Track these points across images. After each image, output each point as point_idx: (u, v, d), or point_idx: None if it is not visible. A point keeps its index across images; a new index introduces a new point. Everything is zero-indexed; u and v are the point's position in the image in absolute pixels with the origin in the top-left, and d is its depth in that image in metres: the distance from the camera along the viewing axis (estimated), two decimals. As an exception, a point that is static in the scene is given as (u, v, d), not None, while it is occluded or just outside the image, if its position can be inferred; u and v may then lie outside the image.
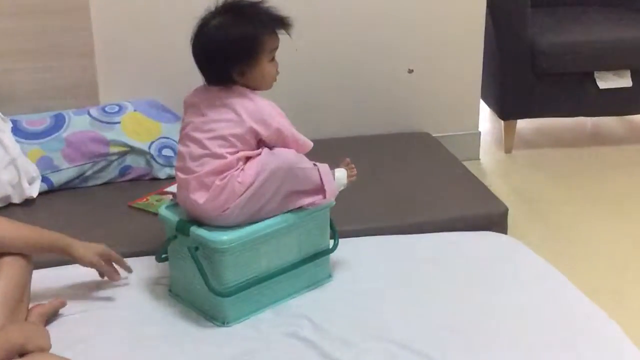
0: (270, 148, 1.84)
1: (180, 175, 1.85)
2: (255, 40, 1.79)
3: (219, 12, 1.83)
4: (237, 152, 1.79)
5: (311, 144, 1.90)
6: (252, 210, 1.80)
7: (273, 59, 1.85)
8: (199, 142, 1.81)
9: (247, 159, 1.81)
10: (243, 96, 1.82)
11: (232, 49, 1.78)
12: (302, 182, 1.84)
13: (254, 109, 1.80)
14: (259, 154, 1.82)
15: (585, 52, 3.61)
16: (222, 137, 1.79)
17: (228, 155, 1.78)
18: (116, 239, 2.27)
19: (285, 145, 1.84)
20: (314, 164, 1.87)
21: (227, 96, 1.82)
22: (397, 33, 3.31)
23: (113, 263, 1.95)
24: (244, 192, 1.78)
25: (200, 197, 1.78)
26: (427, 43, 3.36)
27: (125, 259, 2.01)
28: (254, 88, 1.84)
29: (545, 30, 3.67)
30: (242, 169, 1.79)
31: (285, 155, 1.82)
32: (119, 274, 1.91)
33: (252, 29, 1.80)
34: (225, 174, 1.78)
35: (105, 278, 1.93)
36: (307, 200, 1.87)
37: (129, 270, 1.97)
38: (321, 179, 1.86)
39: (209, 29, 1.80)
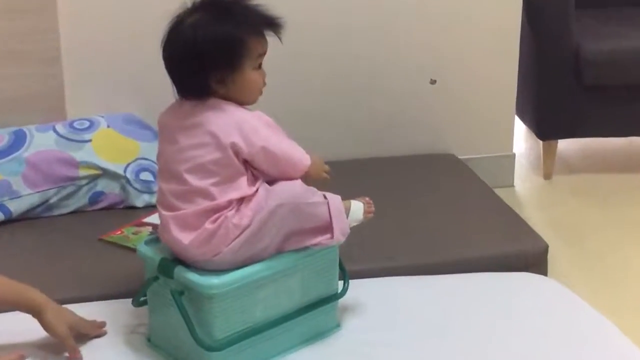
0: (270, 183, 1.84)
1: (162, 211, 1.84)
2: (238, 41, 1.77)
3: (196, 8, 1.81)
4: (222, 181, 1.77)
5: (308, 162, 1.88)
6: (246, 254, 1.80)
7: (259, 67, 1.84)
8: (177, 177, 1.80)
9: (242, 199, 1.80)
10: (218, 109, 1.79)
11: (210, 51, 1.76)
12: (308, 219, 1.84)
13: (231, 123, 1.78)
14: (257, 190, 1.81)
15: (638, 61, 3.63)
16: (201, 167, 1.78)
17: (213, 189, 1.77)
18: (85, 278, 2.30)
19: (276, 165, 1.83)
20: (324, 196, 1.87)
21: (200, 112, 1.80)
22: (417, 36, 3.33)
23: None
24: (239, 235, 1.77)
25: (185, 238, 1.78)
26: (453, 50, 3.38)
27: (97, 302, 2.04)
28: (236, 101, 1.83)
29: (592, 36, 3.69)
30: (238, 209, 1.79)
31: (289, 190, 1.82)
32: (81, 354, 1.90)
33: (236, 28, 1.77)
34: (216, 216, 1.77)
35: None
36: (311, 241, 1.86)
37: (103, 333, 1.98)
38: (330, 215, 1.86)
39: (184, 28, 1.78)
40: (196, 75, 1.78)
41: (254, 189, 1.81)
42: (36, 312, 1.86)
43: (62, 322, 1.88)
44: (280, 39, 1.85)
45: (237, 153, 1.77)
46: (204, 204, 1.78)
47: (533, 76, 3.69)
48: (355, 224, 1.97)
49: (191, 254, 1.79)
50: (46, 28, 2.87)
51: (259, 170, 1.83)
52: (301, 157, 1.87)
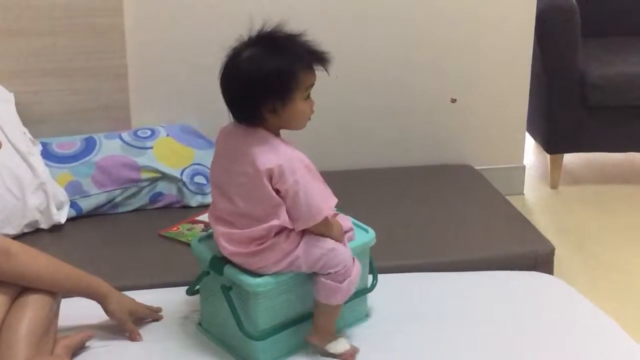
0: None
1: (214, 224, 1.81)
2: (290, 75, 1.70)
3: (252, 42, 1.74)
4: (265, 208, 1.72)
5: (324, 216, 1.75)
6: (287, 269, 1.77)
7: (308, 97, 1.76)
8: (228, 197, 1.77)
9: (290, 230, 1.76)
10: (266, 144, 1.73)
11: (264, 83, 1.69)
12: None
13: (274, 158, 1.71)
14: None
15: (638, 84, 3.58)
16: (247, 193, 1.74)
17: (259, 215, 1.73)
18: (145, 268, 2.30)
19: (296, 208, 1.72)
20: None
21: (250, 143, 1.73)
22: (439, 60, 3.31)
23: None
24: (285, 257, 1.75)
25: (234, 252, 1.77)
26: (471, 72, 3.35)
27: (155, 289, 2.07)
28: (285, 127, 1.77)
29: (596, 61, 3.65)
30: (289, 235, 1.75)
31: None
32: (140, 336, 1.90)
33: (288, 63, 1.71)
34: (263, 241, 1.74)
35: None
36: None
37: (159, 318, 1.98)
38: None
39: (241, 60, 1.72)
40: (250, 104, 1.72)
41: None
42: (100, 299, 1.86)
43: (123, 308, 1.88)
44: (327, 72, 1.77)
45: (270, 181, 1.71)
46: (252, 226, 1.74)
47: (542, 97, 3.65)
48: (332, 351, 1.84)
49: (237, 262, 1.78)
50: (115, 48, 2.87)
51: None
52: (322, 208, 1.74)
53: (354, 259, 1.82)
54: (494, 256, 2.42)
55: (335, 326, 1.85)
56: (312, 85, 1.76)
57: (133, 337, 1.89)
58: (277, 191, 1.72)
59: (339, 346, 1.83)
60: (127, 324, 1.89)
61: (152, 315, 1.97)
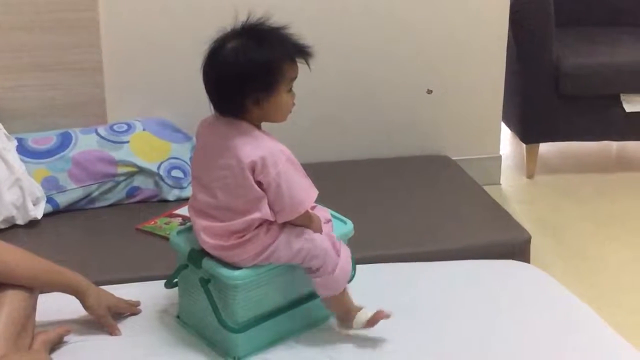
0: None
1: (194, 217, 1.81)
2: (276, 67, 1.70)
3: (236, 34, 1.73)
4: (246, 202, 1.72)
5: (307, 207, 1.77)
6: (266, 262, 1.78)
7: (290, 90, 1.76)
8: (209, 190, 1.76)
9: (270, 223, 1.76)
10: (249, 136, 1.73)
11: (249, 74, 1.69)
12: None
13: (257, 151, 1.70)
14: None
15: (611, 73, 3.62)
16: (228, 186, 1.73)
17: (240, 208, 1.72)
18: (123, 262, 2.30)
19: (279, 199, 1.72)
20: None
21: (232, 135, 1.73)
22: (415, 52, 3.32)
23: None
24: (265, 249, 1.75)
25: (214, 245, 1.76)
26: (446, 63, 3.36)
27: (133, 283, 2.06)
28: (267, 119, 1.77)
29: (570, 51, 3.67)
30: (269, 228, 1.74)
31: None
32: (119, 331, 1.90)
33: (273, 54, 1.71)
34: (243, 234, 1.73)
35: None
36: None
37: (138, 312, 1.98)
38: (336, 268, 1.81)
39: (225, 52, 1.71)
40: (235, 96, 1.71)
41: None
42: (78, 294, 1.86)
43: (102, 303, 1.88)
44: (309, 65, 1.77)
45: (253, 173, 1.71)
46: (233, 219, 1.73)
47: (518, 87, 3.67)
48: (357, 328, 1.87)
49: (217, 255, 1.78)
50: (90, 42, 2.86)
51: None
52: (304, 200, 1.75)
53: (340, 242, 1.83)
54: (471, 246, 2.44)
55: (346, 306, 1.86)
56: (295, 77, 1.76)
57: (112, 331, 1.89)
58: (259, 183, 1.72)
59: (359, 320, 1.85)
60: (105, 319, 1.88)
61: (131, 309, 1.97)
